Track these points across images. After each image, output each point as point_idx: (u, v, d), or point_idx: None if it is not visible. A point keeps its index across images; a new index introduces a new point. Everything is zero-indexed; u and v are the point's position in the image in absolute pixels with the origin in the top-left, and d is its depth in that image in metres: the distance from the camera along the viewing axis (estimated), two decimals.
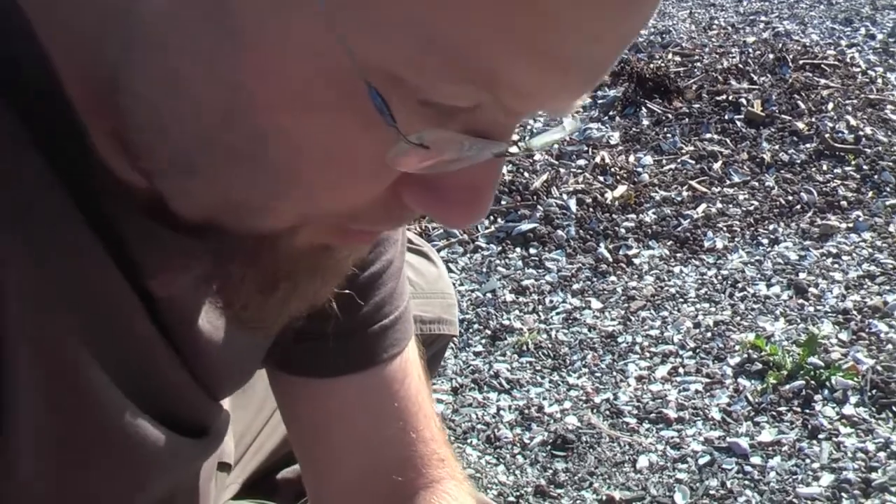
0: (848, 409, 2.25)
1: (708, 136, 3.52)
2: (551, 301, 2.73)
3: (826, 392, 2.31)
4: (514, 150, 0.60)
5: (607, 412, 2.30)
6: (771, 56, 4.07)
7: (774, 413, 2.26)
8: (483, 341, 2.57)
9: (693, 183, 3.24)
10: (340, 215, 0.62)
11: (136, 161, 0.62)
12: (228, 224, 0.63)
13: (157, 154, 0.60)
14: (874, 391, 2.29)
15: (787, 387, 2.32)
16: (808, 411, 2.26)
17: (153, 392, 0.73)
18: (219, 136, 0.57)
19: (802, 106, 3.58)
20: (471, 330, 2.61)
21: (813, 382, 2.32)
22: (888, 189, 3.13)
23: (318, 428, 0.99)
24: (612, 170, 3.31)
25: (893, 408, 2.24)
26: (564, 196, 3.15)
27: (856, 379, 2.32)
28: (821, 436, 2.19)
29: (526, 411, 2.31)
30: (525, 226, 3.03)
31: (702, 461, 2.14)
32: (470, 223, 0.63)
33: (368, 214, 0.62)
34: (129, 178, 0.64)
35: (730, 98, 3.73)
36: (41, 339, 0.62)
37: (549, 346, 2.54)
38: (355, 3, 0.49)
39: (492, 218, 3.08)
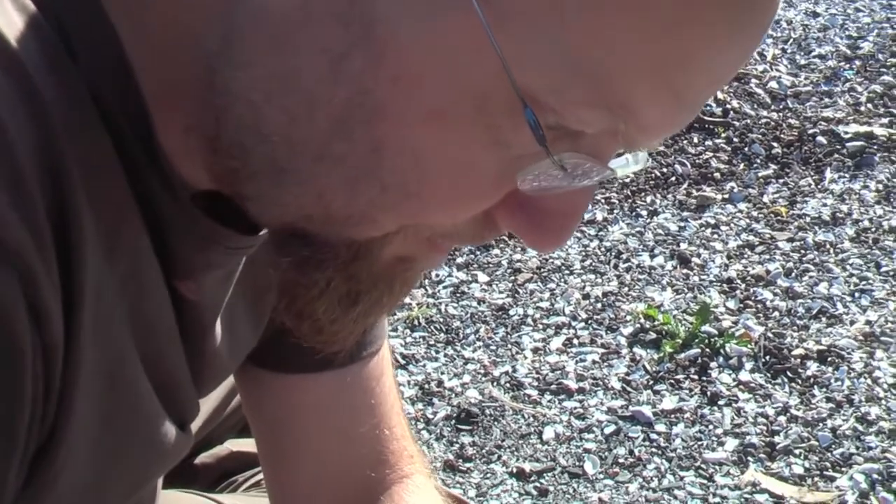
0: (744, 376, 2.28)
1: None
2: (437, 275, 2.68)
3: (721, 359, 2.32)
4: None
5: (508, 385, 2.27)
6: None
7: (673, 381, 2.27)
8: None
9: None
10: (439, 229, 0.62)
11: (224, 160, 0.58)
12: (315, 231, 0.60)
13: (250, 155, 0.57)
14: (768, 357, 2.32)
15: (683, 355, 2.33)
16: (705, 378, 2.27)
17: (163, 386, 0.70)
18: (327, 142, 0.55)
19: None
20: None
21: (708, 350, 2.34)
22: (758, 161, 3.18)
23: (290, 421, 0.98)
24: None
25: (788, 373, 2.28)
26: None
27: (749, 346, 2.35)
28: (721, 402, 2.20)
29: (426, 386, 2.26)
30: None
31: (608, 430, 2.13)
32: (554, 248, 0.65)
33: (462, 230, 0.62)
34: (193, 176, 0.61)
35: None
36: (104, 332, 0.59)
37: (441, 320, 2.50)
38: (517, 25, 0.50)
39: None
